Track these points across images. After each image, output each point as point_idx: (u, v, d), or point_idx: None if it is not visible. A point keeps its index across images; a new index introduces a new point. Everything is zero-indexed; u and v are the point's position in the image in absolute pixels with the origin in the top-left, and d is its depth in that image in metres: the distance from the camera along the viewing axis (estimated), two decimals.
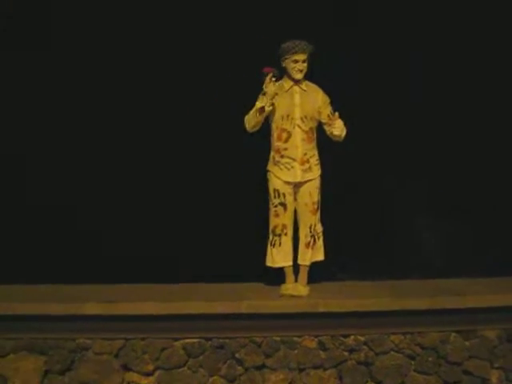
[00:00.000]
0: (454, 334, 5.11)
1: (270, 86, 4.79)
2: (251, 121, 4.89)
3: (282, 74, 4.97)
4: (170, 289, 5.18)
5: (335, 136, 4.99)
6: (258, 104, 4.83)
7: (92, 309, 4.89)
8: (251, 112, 4.88)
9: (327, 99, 5.04)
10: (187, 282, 5.28)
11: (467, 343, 5.11)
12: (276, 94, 4.87)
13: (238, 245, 5.78)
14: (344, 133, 4.99)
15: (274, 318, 4.93)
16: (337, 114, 4.96)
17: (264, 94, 4.83)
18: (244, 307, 4.90)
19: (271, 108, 4.84)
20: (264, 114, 4.85)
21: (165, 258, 5.89)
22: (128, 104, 6.47)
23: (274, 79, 4.83)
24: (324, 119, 5.01)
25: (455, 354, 5.09)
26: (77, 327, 4.91)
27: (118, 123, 6.49)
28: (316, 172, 5.05)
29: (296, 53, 4.88)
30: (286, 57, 4.90)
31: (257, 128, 4.94)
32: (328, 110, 5.02)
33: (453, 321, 5.10)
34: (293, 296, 5.04)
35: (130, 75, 6.57)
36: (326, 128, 5.03)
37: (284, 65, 4.95)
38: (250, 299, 4.96)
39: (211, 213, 6.32)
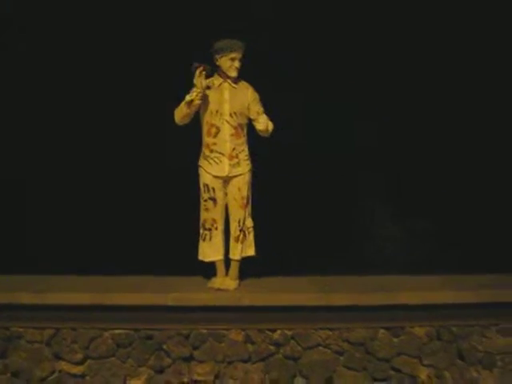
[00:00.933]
0: (382, 331, 5.14)
1: (199, 80, 4.89)
2: (180, 113, 4.99)
3: (213, 70, 5.06)
4: (100, 280, 5.30)
5: (260, 131, 5.07)
6: (188, 97, 4.92)
7: (24, 298, 5.02)
8: (181, 105, 4.98)
9: (256, 96, 5.13)
10: (121, 274, 5.37)
11: (395, 340, 5.13)
12: (207, 87, 4.96)
13: (175, 238, 5.85)
14: (270, 128, 5.08)
15: (199, 311, 5.01)
16: (261, 109, 5.05)
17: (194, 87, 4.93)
18: (170, 299, 4.99)
19: (200, 101, 4.93)
20: (193, 108, 4.94)
21: (100, 250, 6.01)
22: None
23: (204, 73, 4.91)
24: (252, 115, 5.10)
25: (383, 351, 5.12)
26: (10, 316, 5.04)
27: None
28: (245, 167, 5.13)
29: (233, 51, 4.97)
30: (223, 55, 4.99)
31: (186, 121, 5.04)
32: (257, 106, 5.11)
33: (380, 317, 5.12)
34: (219, 289, 5.12)
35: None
36: (254, 124, 5.11)
37: (219, 63, 5.03)
38: (177, 292, 5.04)
39: (147, 205, 6.42)
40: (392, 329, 5.15)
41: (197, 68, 4.91)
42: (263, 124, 5.02)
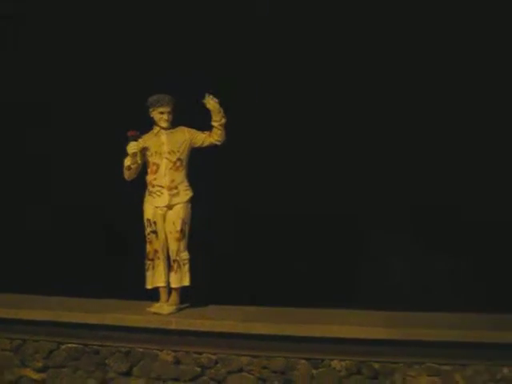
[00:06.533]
0: (302, 361, 5.38)
1: (132, 147, 5.60)
2: (126, 175, 5.74)
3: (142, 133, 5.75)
4: (61, 301, 6.09)
5: (217, 138, 5.70)
6: (126, 162, 5.67)
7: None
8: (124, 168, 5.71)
9: (193, 129, 5.77)
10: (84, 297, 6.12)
11: (315, 371, 5.35)
12: (135, 154, 5.65)
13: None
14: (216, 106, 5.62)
15: (134, 331, 5.59)
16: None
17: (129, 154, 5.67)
18: (108, 319, 5.64)
19: (137, 165, 5.66)
20: (133, 170, 5.69)
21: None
22: None
23: (135, 141, 5.63)
24: (202, 140, 5.75)
25: (302, 381, 5.35)
26: None
27: None
28: (184, 197, 5.68)
29: (162, 106, 5.63)
30: (154, 109, 5.67)
31: (133, 177, 5.74)
32: (198, 133, 5.74)
33: (300, 348, 5.37)
34: (155, 313, 5.66)
35: None
36: (211, 141, 5.73)
37: (152, 115, 5.73)
38: (116, 312, 5.67)
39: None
40: (312, 360, 5.36)
41: (130, 137, 5.60)
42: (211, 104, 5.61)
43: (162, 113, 5.67)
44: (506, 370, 5.07)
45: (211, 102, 5.62)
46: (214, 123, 5.68)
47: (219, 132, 5.68)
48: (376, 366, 5.29)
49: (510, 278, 6.50)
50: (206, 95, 5.65)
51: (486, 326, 5.19)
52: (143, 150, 5.69)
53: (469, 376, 5.08)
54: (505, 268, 6.68)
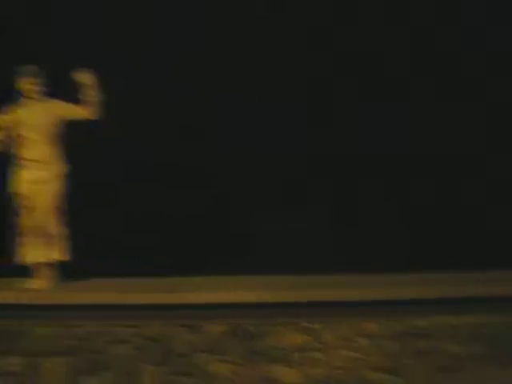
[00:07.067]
0: (179, 328, 5.46)
1: None
2: None
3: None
4: None
5: (83, 84, 5.63)
6: None
7: None
8: None
9: (61, 102, 5.69)
10: None
11: (191, 337, 5.45)
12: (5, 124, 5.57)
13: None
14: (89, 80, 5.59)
15: (8, 309, 5.51)
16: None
17: None
18: None
19: (4, 137, 5.61)
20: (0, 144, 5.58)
21: None
22: None
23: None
24: (73, 114, 5.68)
25: (179, 348, 5.44)
26: None
27: None
28: (54, 171, 5.58)
29: (31, 76, 5.53)
30: (22, 79, 5.51)
31: (1, 150, 5.63)
32: (71, 106, 5.68)
33: (176, 316, 5.46)
34: (31, 289, 5.60)
35: None
36: (82, 114, 5.68)
37: (21, 86, 5.57)
38: None
39: None
40: (188, 326, 5.46)
41: None
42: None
43: (31, 84, 5.54)
44: (371, 325, 5.32)
45: (85, 76, 5.53)
46: (87, 98, 5.59)
47: (93, 107, 5.60)
48: (251, 328, 5.43)
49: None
50: (79, 69, 5.55)
51: (352, 286, 5.44)
52: (11, 123, 5.55)
53: (338, 333, 5.31)
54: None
